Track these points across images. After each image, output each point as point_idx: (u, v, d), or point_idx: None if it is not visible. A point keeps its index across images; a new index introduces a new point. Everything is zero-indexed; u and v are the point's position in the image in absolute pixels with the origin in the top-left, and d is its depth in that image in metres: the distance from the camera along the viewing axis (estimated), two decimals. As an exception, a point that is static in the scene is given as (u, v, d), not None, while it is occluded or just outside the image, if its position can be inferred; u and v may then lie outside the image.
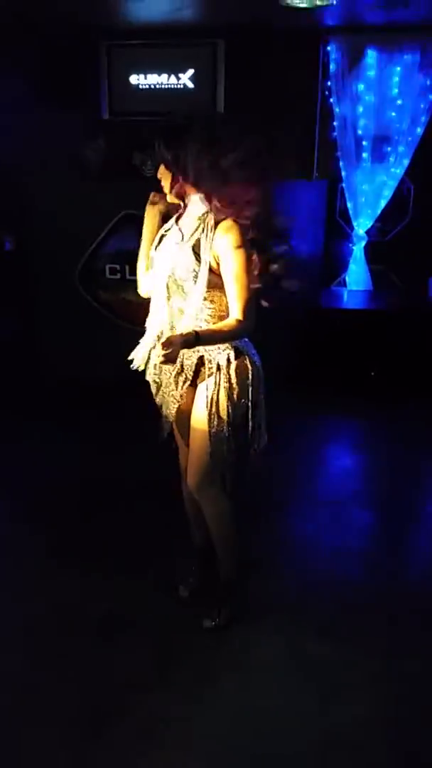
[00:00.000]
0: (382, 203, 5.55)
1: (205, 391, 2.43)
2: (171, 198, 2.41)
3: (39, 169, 5.03)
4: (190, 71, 5.11)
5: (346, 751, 2.21)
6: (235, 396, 2.42)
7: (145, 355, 2.56)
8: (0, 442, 4.33)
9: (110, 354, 5.05)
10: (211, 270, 2.31)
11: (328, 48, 5.30)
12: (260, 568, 3.06)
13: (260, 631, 2.71)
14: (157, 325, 2.48)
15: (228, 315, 2.33)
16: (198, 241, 2.31)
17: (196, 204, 2.36)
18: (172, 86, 5.14)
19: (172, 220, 2.48)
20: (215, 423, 2.43)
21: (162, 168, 2.37)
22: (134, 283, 4.93)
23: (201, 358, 2.43)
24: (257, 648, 2.63)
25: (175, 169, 2.32)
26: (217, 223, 2.29)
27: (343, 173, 5.53)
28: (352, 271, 5.78)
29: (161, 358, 2.16)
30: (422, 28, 5.09)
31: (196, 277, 2.32)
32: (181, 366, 2.46)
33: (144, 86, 5.18)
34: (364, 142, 5.47)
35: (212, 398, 2.41)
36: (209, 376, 2.42)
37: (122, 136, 5.07)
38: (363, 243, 5.67)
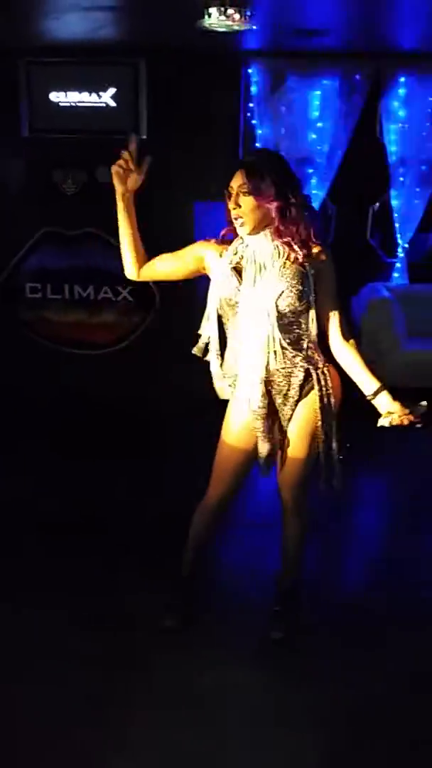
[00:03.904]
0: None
1: (314, 401, 2.47)
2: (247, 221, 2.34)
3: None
4: (112, 90, 5.05)
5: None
6: (333, 404, 2.49)
7: (257, 394, 2.49)
8: None
9: (34, 373, 4.98)
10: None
11: (250, 71, 5.37)
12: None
13: (185, 664, 2.65)
14: (256, 360, 2.45)
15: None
16: (290, 264, 2.36)
17: (262, 236, 2.37)
18: (94, 104, 5.07)
19: (230, 257, 2.44)
20: (324, 429, 2.48)
21: (247, 198, 2.32)
22: (56, 302, 4.92)
23: (306, 371, 2.46)
24: (183, 683, 2.56)
25: (276, 195, 2.31)
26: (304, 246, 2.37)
27: (267, 194, 5.57)
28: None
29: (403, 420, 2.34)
30: (340, 56, 5.22)
31: (301, 298, 2.36)
32: (288, 385, 2.48)
33: (65, 104, 5.09)
34: (286, 164, 5.54)
35: (321, 407, 2.47)
36: (312, 387, 2.47)
37: (42, 154, 4.98)
38: (287, 262, 5.72)
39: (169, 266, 2.59)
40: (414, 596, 3.12)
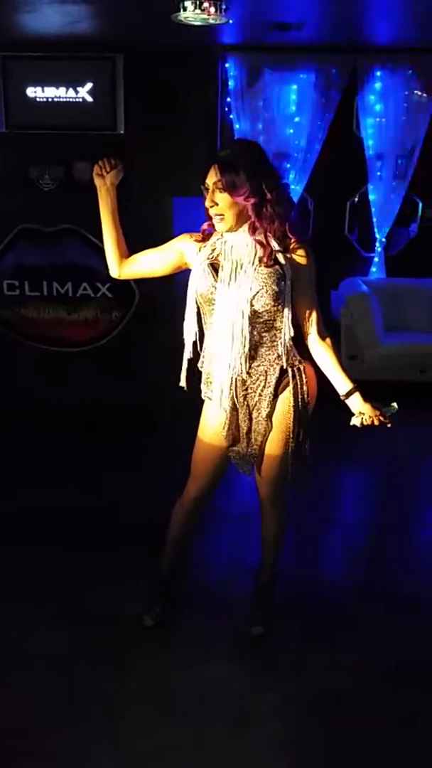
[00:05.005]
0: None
1: (288, 398, 2.47)
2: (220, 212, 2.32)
3: None
4: (89, 85, 5.03)
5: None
6: (309, 399, 2.50)
7: (226, 392, 2.49)
8: None
9: (13, 371, 4.94)
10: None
11: (227, 65, 5.37)
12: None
13: (163, 660, 2.65)
14: (227, 359, 2.43)
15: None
16: (266, 264, 2.32)
17: (241, 232, 2.35)
18: (71, 99, 5.05)
19: (207, 252, 2.43)
20: (297, 426, 2.49)
21: (223, 195, 2.29)
22: (34, 299, 4.88)
23: (282, 369, 2.46)
24: (162, 678, 2.56)
25: (251, 191, 2.27)
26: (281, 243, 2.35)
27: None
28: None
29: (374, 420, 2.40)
30: (316, 50, 5.23)
31: (276, 299, 2.34)
32: (264, 382, 2.47)
33: (41, 99, 5.06)
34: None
35: (295, 404, 2.47)
36: (287, 384, 2.47)
37: (19, 149, 4.94)
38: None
39: (151, 261, 2.57)
40: (391, 591, 3.15)
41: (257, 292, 2.33)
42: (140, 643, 2.72)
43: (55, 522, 3.57)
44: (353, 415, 2.45)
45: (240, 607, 2.87)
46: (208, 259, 2.42)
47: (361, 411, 2.43)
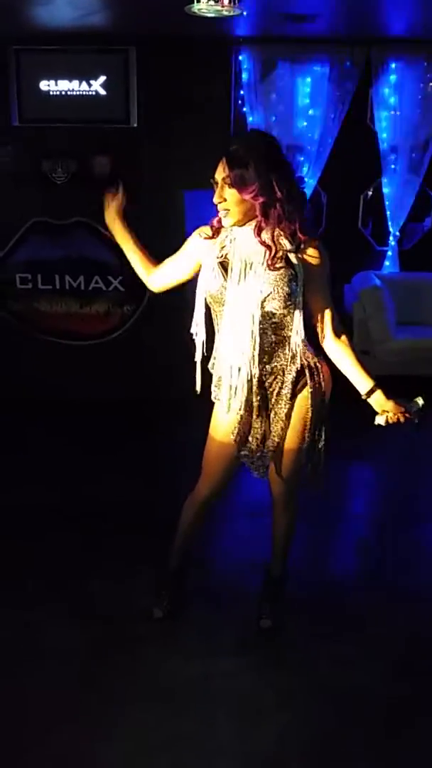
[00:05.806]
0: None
1: (306, 398, 2.44)
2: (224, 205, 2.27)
3: None
4: (102, 78, 5.02)
5: None
6: (326, 397, 2.48)
7: (239, 395, 2.45)
8: None
9: (25, 364, 4.96)
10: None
11: (240, 58, 5.34)
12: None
13: (172, 653, 2.65)
14: (237, 362, 2.40)
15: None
16: (278, 264, 2.26)
17: (249, 228, 2.30)
18: (84, 93, 5.04)
19: (216, 252, 2.37)
20: (313, 425, 2.48)
21: (231, 191, 2.22)
22: (46, 292, 4.89)
23: (298, 368, 2.42)
24: (170, 672, 2.56)
25: (260, 188, 2.19)
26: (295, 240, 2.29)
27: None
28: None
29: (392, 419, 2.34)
30: (330, 42, 5.20)
31: (288, 300, 2.29)
32: (282, 383, 2.44)
33: (55, 92, 5.05)
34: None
35: (314, 403, 2.44)
36: (305, 384, 2.43)
37: (32, 143, 4.94)
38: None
39: (175, 267, 2.51)
40: (397, 586, 3.14)
41: (268, 294, 2.28)
42: (147, 638, 2.72)
43: (65, 518, 3.58)
44: (376, 413, 2.37)
45: (248, 601, 2.87)
46: (217, 258, 2.36)
47: (384, 409, 2.36)
